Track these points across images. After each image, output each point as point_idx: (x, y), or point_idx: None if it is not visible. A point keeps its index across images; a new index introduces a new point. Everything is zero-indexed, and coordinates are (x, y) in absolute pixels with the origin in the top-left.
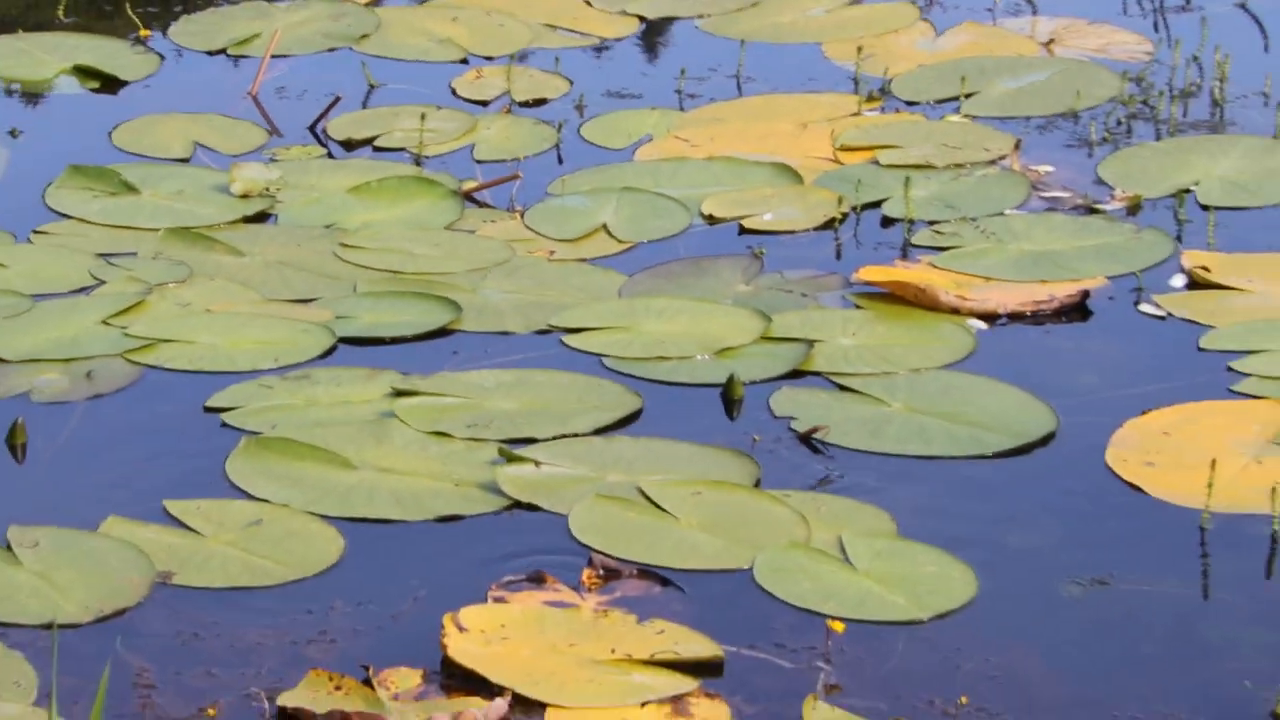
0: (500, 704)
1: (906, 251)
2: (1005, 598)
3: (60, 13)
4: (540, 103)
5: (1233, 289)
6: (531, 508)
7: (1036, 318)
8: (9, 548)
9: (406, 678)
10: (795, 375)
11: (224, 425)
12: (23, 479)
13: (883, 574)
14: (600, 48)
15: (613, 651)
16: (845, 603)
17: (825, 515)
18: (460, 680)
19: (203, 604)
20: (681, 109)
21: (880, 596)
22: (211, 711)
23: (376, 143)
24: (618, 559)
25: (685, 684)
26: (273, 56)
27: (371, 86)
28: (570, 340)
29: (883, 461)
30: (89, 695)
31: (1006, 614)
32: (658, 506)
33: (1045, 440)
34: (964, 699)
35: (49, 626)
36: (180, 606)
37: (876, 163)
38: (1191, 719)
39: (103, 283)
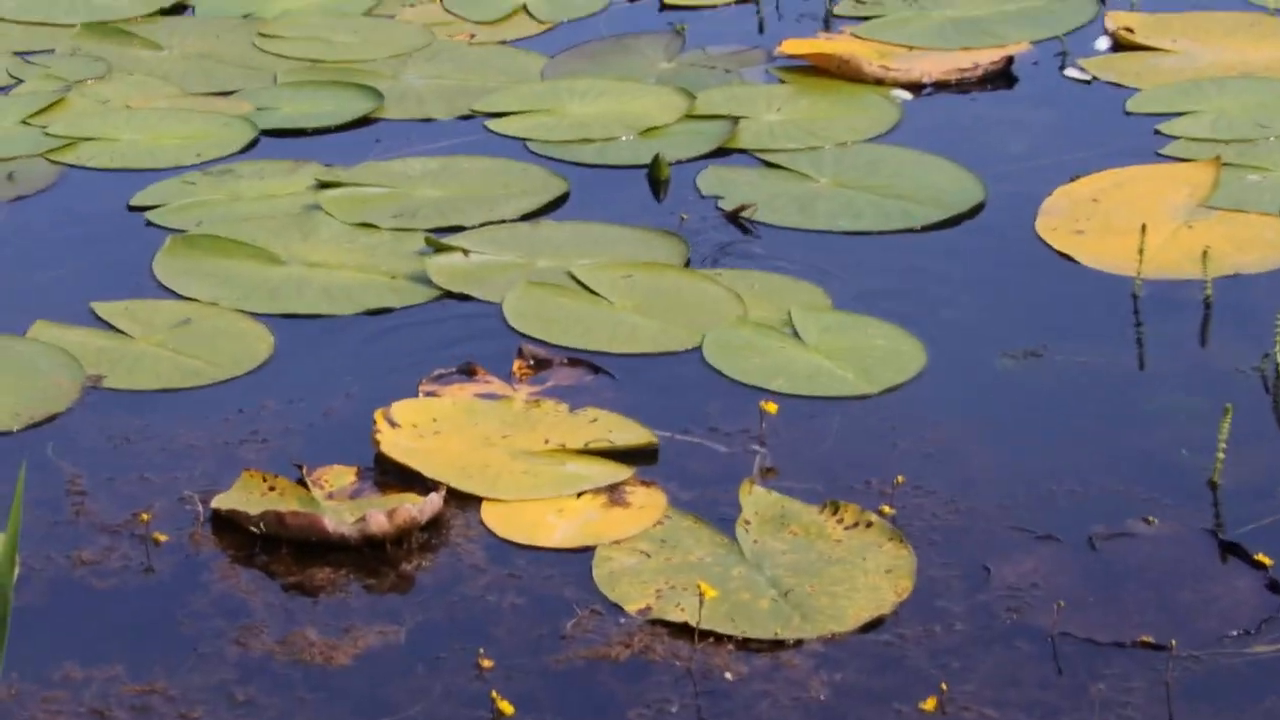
0: (435, 499)
1: (829, 23)
2: (939, 373)
3: None
4: None
5: (1157, 50)
6: (462, 297)
7: (961, 86)
8: None
9: (340, 475)
10: (721, 153)
11: (149, 224)
12: None
13: (832, 348)
14: None
15: (546, 442)
16: (795, 379)
17: (759, 293)
18: (394, 476)
19: (134, 407)
20: None
21: (830, 371)
22: (145, 517)
23: None
24: (550, 347)
25: (620, 472)
26: None
27: None
28: (494, 125)
29: (813, 237)
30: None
31: (941, 390)
32: (590, 291)
33: (974, 211)
34: (900, 478)
35: None
36: (111, 410)
37: None
38: (1129, 489)
39: (20, 81)
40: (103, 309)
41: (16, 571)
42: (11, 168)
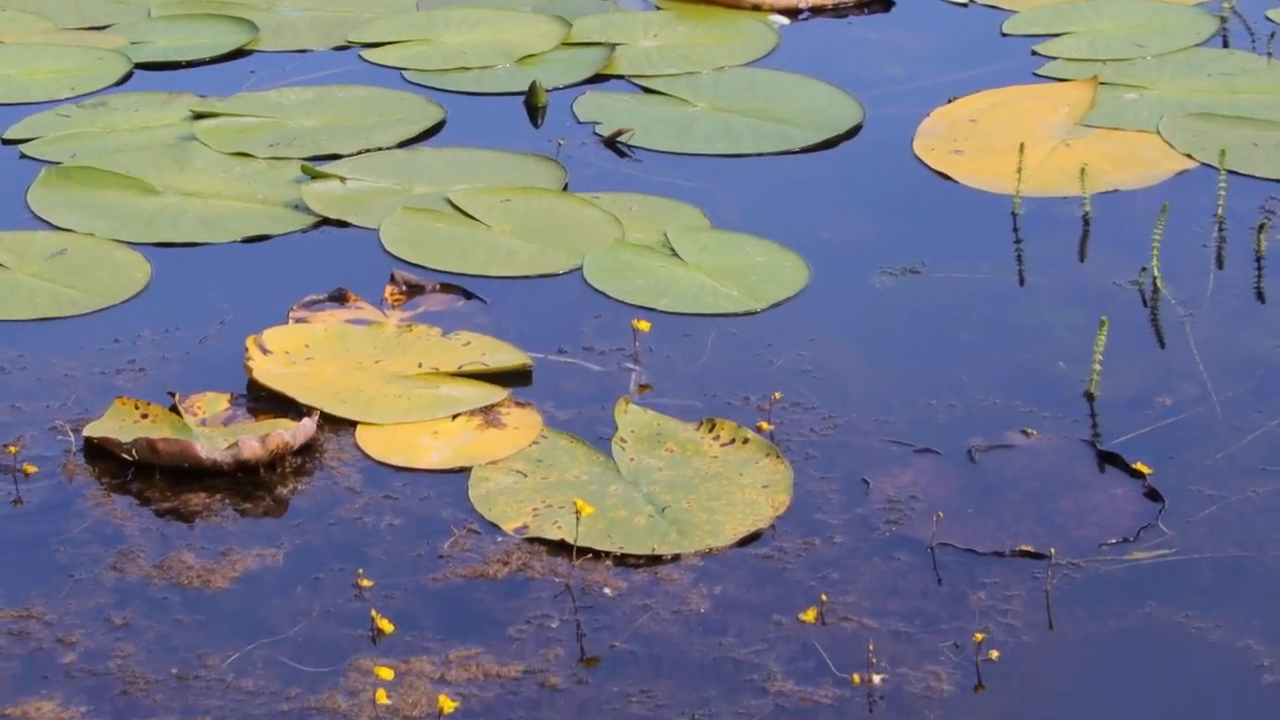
0: (308, 424)
1: None
2: (818, 291)
3: None
4: None
5: None
6: (340, 224)
7: (839, 11)
8: None
9: (213, 402)
10: (598, 79)
11: (23, 157)
12: None
13: (713, 267)
14: None
15: (419, 366)
16: (680, 298)
17: (638, 215)
18: (267, 403)
19: (8, 337)
20: None
21: (714, 289)
22: (13, 449)
23: None
24: (428, 272)
25: (495, 394)
26: None
27: None
28: (369, 55)
29: (691, 161)
30: None
31: (819, 307)
32: (468, 216)
33: (852, 133)
34: (778, 394)
35: None
36: None
37: None
38: (1008, 403)
39: None
40: None
41: None
42: None
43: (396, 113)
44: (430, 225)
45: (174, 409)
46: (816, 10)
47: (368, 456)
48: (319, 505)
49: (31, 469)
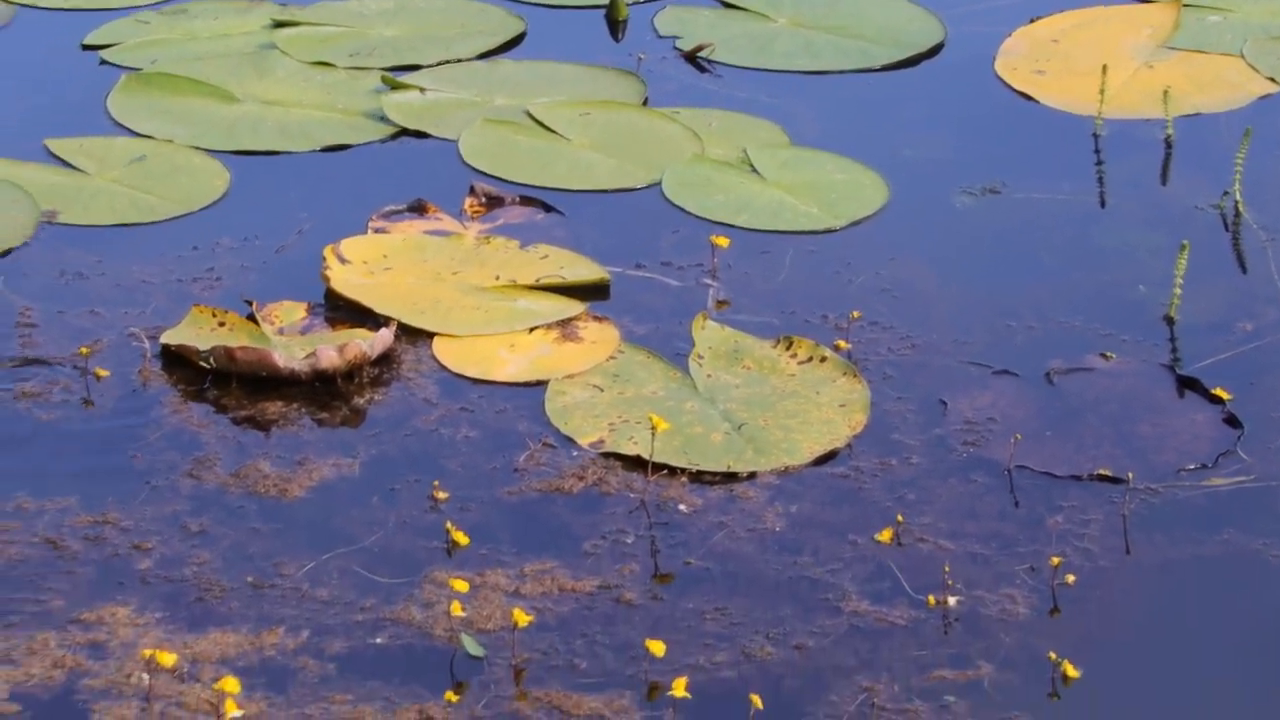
0: (386, 334)
1: None
2: (898, 210)
3: None
4: None
5: None
6: (419, 134)
7: None
8: None
9: (291, 311)
10: None
11: (103, 63)
12: None
13: (792, 184)
14: None
15: (497, 278)
16: (759, 214)
17: (717, 131)
18: (344, 312)
19: (88, 242)
20: None
21: (793, 206)
22: (85, 350)
23: None
24: (506, 184)
25: (572, 308)
26: None
27: None
28: None
29: (771, 77)
30: None
31: (899, 226)
32: (547, 129)
33: (933, 52)
34: (856, 313)
35: None
36: (65, 246)
37: None
38: (1088, 326)
39: None
40: (57, 146)
41: None
42: None
43: (477, 24)
44: (510, 138)
45: (251, 317)
46: None
47: (444, 368)
48: (395, 416)
49: (104, 373)
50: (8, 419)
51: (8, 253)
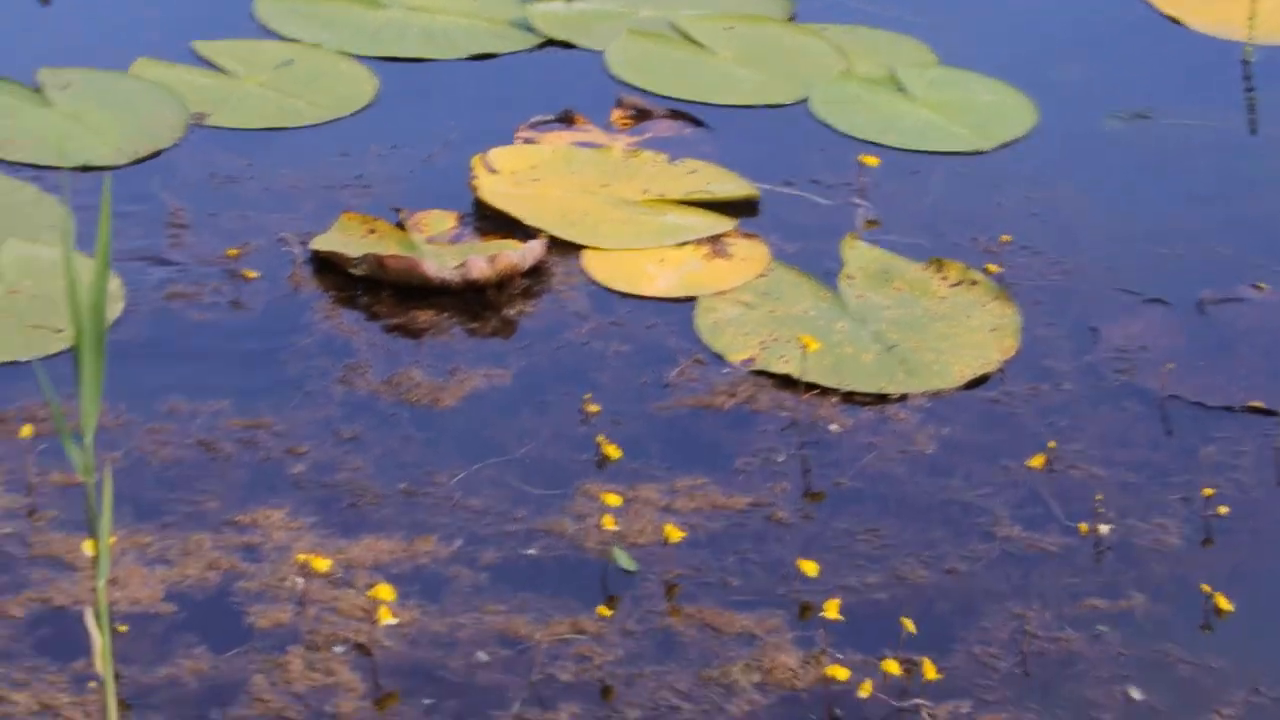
0: (537, 245)
1: None
2: (1046, 133)
3: None
4: None
5: None
6: (565, 45)
7: None
8: (40, 90)
9: (440, 220)
10: None
11: None
12: (49, 21)
13: (940, 104)
14: None
15: (645, 192)
16: (905, 134)
17: (864, 48)
18: (493, 222)
19: (237, 145)
20: None
21: (942, 127)
22: (233, 252)
23: None
24: (651, 96)
25: (722, 223)
26: None
27: None
28: None
29: None
30: (121, 236)
31: (1047, 149)
32: (693, 41)
33: None
34: (1006, 237)
35: (84, 169)
36: (214, 148)
37: None
38: (1239, 254)
39: None
40: (205, 48)
41: (120, 308)
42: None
43: None
44: (656, 49)
45: (400, 225)
46: None
47: (594, 281)
48: (546, 328)
49: (252, 274)
50: (159, 320)
51: (159, 154)
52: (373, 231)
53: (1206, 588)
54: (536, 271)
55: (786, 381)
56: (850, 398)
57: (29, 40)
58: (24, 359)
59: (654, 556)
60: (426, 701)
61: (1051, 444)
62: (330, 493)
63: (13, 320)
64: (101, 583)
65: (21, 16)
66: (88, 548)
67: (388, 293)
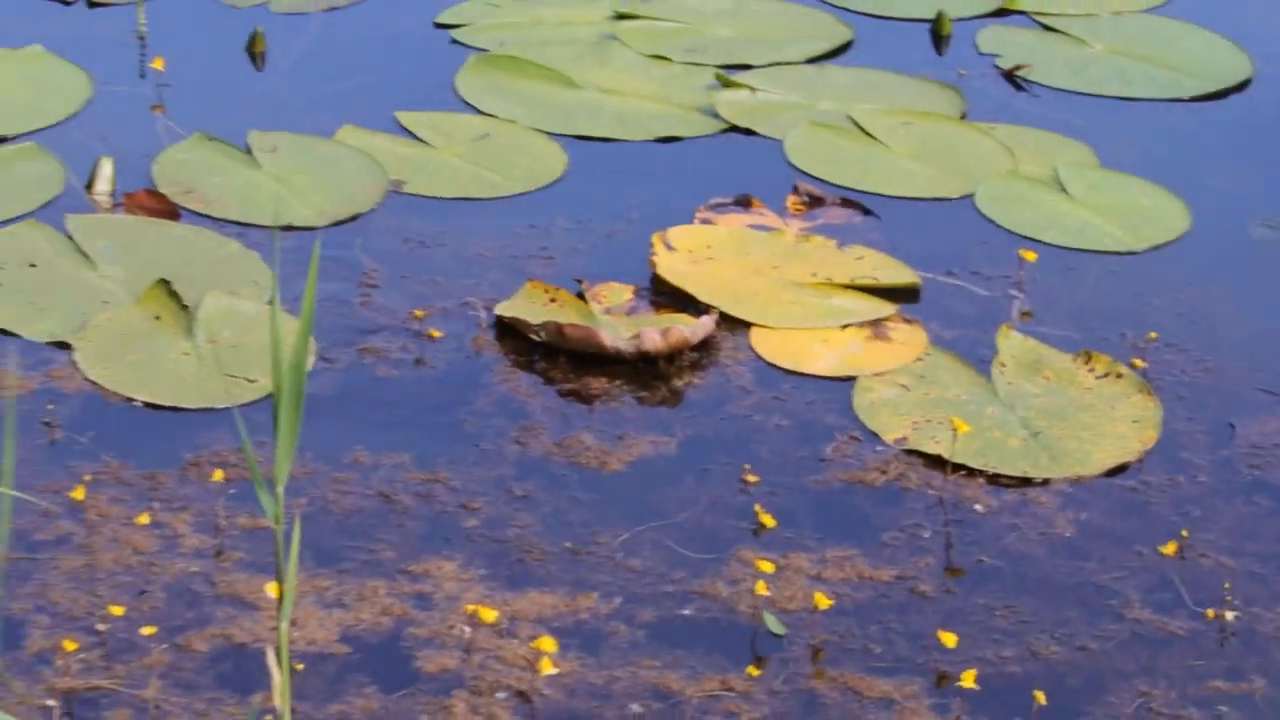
0: (708, 321)
1: None
2: (1198, 238)
3: None
4: None
5: None
6: (747, 131)
7: None
8: (249, 151)
9: (618, 293)
10: (1002, 13)
11: (453, 42)
12: (261, 86)
13: (1099, 204)
14: None
15: (814, 275)
16: (1065, 231)
17: (1030, 148)
18: (668, 297)
19: (432, 213)
20: None
21: (1099, 227)
22: (419, 313)
23: None
24: (826, 185)
25: (884, 308)
26: None
27: None
28: None
29: (1084, 100)
30: (317, 293)
31: (1199, 253)
32: (869, 135)
33: (1242, 86)
34: (1153, 334)
35: (286, 228)
36: (410, 214)
37: None
38: None
39: None
40: (406, 118)
41: (312, 361)
42: None
43: (808, 29)
44: (833, 140)
45: (580, 295)
46: None
47: (760, 357)
48: (711, 400)
49: (437, 334)
50: (349, 374)
51: (357, 217)
52: (554, 300)
53: None
54: (706, 346)
55: (936, 461)
56: (996, 480)
57: (240, 104)
58: (219, 406)
59: (802, 622)
60: None
61: (1184, 532)
62: (500, 547)
63: (210, 369)
64: (284, 624)
65: (234, 81)
66: (271, 589)
67: (564, 359)
